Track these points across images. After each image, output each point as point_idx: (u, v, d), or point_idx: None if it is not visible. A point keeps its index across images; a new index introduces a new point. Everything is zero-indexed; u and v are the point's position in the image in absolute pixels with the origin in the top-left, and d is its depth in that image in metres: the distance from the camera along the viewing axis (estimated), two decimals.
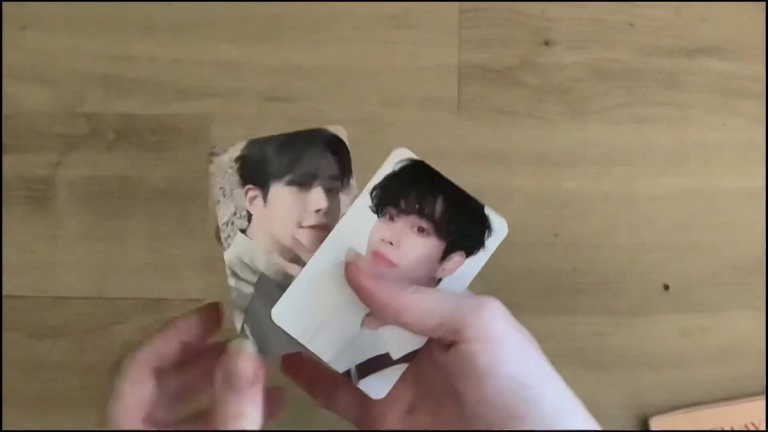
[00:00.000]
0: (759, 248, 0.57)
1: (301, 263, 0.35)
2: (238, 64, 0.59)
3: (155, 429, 0.35)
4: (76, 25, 0.59)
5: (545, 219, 0.57)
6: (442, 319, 0.33)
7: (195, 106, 0.58)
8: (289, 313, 0.34)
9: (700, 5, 0.58)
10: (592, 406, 0.56)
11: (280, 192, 0.35)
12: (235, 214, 0.36)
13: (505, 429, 0.32)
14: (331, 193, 0.35)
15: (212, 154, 0.36)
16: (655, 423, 0.54)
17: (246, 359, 0.33)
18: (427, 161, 0.37)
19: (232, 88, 0.59)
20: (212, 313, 0.37)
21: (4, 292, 0.57)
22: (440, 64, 0.58)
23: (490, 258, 0.37)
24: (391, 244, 0.35)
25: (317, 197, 0.35)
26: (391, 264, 0.35)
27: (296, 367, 0.39)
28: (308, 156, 0.36)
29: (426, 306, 0.33)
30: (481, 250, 0.35)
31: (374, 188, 0.35)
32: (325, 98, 0.58)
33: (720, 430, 0.54)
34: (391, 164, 0.35)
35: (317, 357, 0.36)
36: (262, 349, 0.34)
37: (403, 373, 0.35)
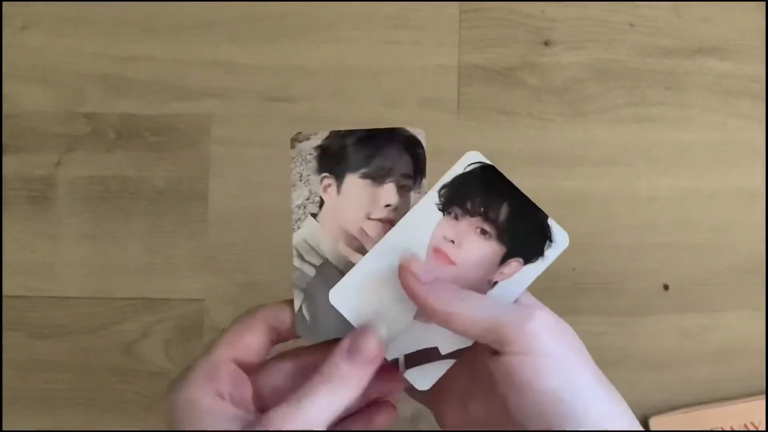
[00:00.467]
0: (759, 248, 0.57)
1: (364, 253, 0.36)
2: (238, 64, 0.59)
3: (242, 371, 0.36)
4: (76, 25, 0.59)
5: None
6: (487, 330, 0.34)
7: (195, 106, 0.58)
8: (346, 297, 0.35)
9: (700, 5, 0.59)
10: None
11: (354, 183, 0.37)
12: (308, 199, 0.37)
13: None
14: (403, 190, 0.36)
15: (295, 139, 0.37)
16: (655, 423, 0.54)
17: (373, 340, 0.34)
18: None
19: (232, 88, 0.59)
20: None
21: (4, 292, 0.57)
22: (440, 64, 0.58)
23: None
24: (453, 243, 0.36)
25: (388, 192, 0.36)
26: (451, 262, 0.36)
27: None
28: (385, 152, 0.37)
29: (472, 316, 0.34)
30: (539, 259, 0.36)
31: (443, 187, 0.36)
32: (325, 98, 0.58)
33: (720, 430, 0.54)
34: (462, 165, 0.36)
35: None
36: (315, 331, 0.36)
37: (459, 365, 0.36)
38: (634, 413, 0.56)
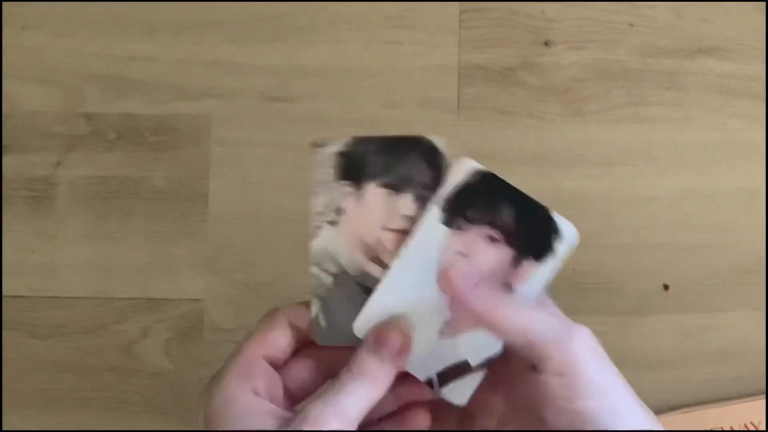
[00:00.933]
0: (759, 248, 0.57)
1: (381, 264, 0.36)
2: (238, 64, 0.59)
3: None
4: (76, 25, 0.59)
5: None
6: (529, 343, 0.34)
7: (195, 106, 0.58)
8: (369, 325, 0.35)
9: (700, 5, 0.58)
10: None
11: (373, 192, 0.36)
12: (328, 206, 0.36)
13: None
14: (421, 201, 0.36)
15: (316, 145, 0.36)
16: None
17: (398, 335, 0.34)
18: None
19: (232, 88, 0.59)
20: None
21: (4, 292, 0.57)
22: (440, 64, 0.58)
23: None
24: (464, 255, 0.35)
25: (407, 203, 0.36)
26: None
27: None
28: (406, 162, 0.36)
29: (516, 326, 0.34)
30: (550, 255, 0.36)
31: (443, 201, 0.36)
32: (325, 98, 0.58)
33: (720, 430, 0.54)
34: (457, 176, 0.36)
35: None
36: (334, 338, 0.36)
37: (493, 384, 0.36)
38: None
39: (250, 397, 0.34)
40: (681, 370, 0.56)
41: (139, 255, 0.58)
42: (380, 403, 0.34)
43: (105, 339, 0.57)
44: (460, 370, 0.36)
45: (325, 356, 0.37)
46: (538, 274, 0.36)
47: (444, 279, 0.35)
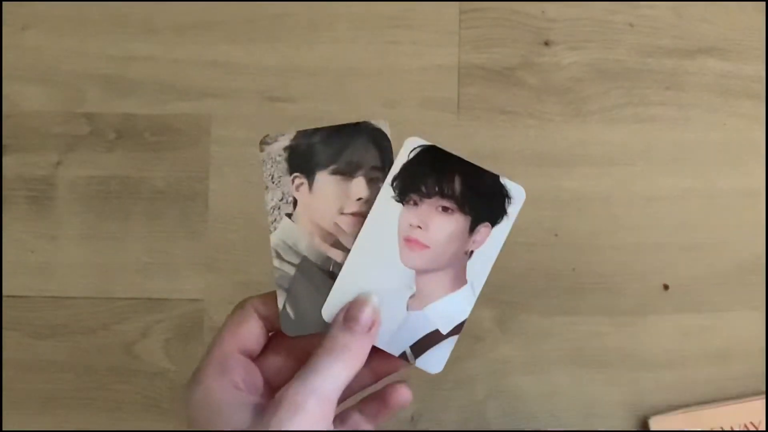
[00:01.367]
0: (759, 248, 0.57)
1: (341, 248, 0.37)
2: (238, 64, 0.59)
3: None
4: (76, 25, 0.59)
5: (545, 219, 0.57)
6: None
7: (195, 106, 0.58)
8: (337, 310, 0.36)
9: (700, 5, 0.58)
10: (592, 406, 0.56)
11: (325, 180, 0.37)
12: (282, 199, 0.38)
13: None
14: (373, 182, 0.37)
15: (263, 143, 0.38)
16: (654, 423, 0.54)
17: (368, 309, 0.35)
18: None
19: (232, 88, 0.59)
20: None
21: (4, 292, 0.57)
22: (440, 64, 0.58)
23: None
24: (420, 228, 0.37)
25: (359, 186, 0.37)
26: (424, 246, 0.37)
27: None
28: (352, 147, 0.38)
29: None
30: (504, 218, 0.37)
31: (394, 179, 0.37)
32: (325, 98, 0.58)
33: (720, 430, 0.54)
34: (405, 153, 0.37)
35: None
36: (303, 327, 0.37)
37: None
38: (634, 413, 0.57)
39: (229, 390, 0.34)
40: (681, 370, 0.56)
41: (139, 255, 0.58)
42: (356, 377, 0.35)
43: (105, 339, 0.57)
44: (432, 339, 0.37)
45: (299, 342, 0.37)
46: (495, 237, 0.37)
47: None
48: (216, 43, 0.59)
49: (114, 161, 0.58)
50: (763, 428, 0.54)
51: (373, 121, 0.38)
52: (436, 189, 0.37)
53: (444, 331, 0.37)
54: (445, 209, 0.37)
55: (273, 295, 0.37)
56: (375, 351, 0.36)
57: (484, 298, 0.38)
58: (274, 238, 0.37)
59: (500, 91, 0.58)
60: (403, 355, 0.37)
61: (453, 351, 0.37)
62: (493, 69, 0.58)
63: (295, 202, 0.37)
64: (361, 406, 0.38)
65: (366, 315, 0.35)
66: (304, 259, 0.37)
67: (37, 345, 0.57)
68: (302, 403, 0.32)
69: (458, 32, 0.59)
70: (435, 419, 0.56)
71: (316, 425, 0.32)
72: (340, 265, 0.37)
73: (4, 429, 0.56)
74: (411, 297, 0.37)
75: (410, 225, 0.37)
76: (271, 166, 0.38)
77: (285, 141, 0.38)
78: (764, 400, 0.54)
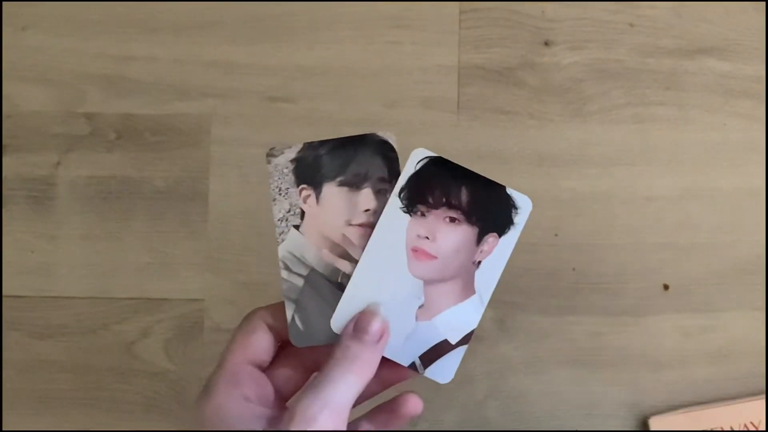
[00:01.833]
0: (759, 248, 0.57)
1: (349, 259, 0.37)
2: (238, 64, 0.59)
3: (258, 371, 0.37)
4: (76, 25, 0.59)
5: (545, 219, 0.57)
6: None
7: (195, 106, 0.58)
8: (346, 321, 0.37)
9: (700, 5, 0.59)
10: (592, 406, 0.56)
11: (332, 192, 0.38)
12: (289, 211, 0.38)
13: None
14: (380, 194, 0.38)
15: (270, 155, 0.38)
16: (654, 423, 0.54)
17: (377, 321, 0.36)
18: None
19: (232, 88, 0.59)
20: None
21: (4, 292, 0.57)
22: (440, 64, 0.58)
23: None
24: (428, 238, 0.37)
25: (366, 198, 0.38)
26: (431, 257, 0.37)
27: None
28: (359, 159, 0.38)
29: None
30: (511, 228, 0.38)
31: (401, 190, 0.37)
32: (325, 98, 0.58)
33: (720, 430, 0.54)
34: (412, 165, 0.38)
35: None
36: (312, 338, 0.37)
37: None
38: (634, 413, 0.57)
39: (241, 403, 0.35)
40: (681, 370, 0.56)
41: (139, 255, 0.58)
42: (365, 386, 0.35)
43: (105, 339, 0.57)
44: (441, 349, 0.37)
45: (308, 352, 0.37)
46: (502, 247, 0.37)
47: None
48: (216, 43, 0.59)
49: (114, 161, 0.58)
50: (763, 428, 0.54)
51: (379, 133, 0.38)
52: (443, 200, 0.37)
53: (453, 341, 0.37)
54: (452, 220, 0.37)
55: (281, 306, 0.37)
56: (384, 361, 0.36)
57: None
58: (282, 250, 0.37)
59: (500, 91, 0.58)
60: (413, 365, 0.37)
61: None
62: (493, 69, 0.58)
63: (302, 214, 0.38)
64: (371, 415, 0.38)
65: (375, 325, 0.35)
66: (312, 270, 0.37)
67: (37, 345, 0.57)
68: (315, 415, 0.32)
69: (458, 32, 0.59)
70: (435, 419, 0.56)
71: None
72: (348, 276, 0.37)
73: (3, 429, 0.56)
74: (419, 307, 0.37)
75: (418, 236, 0.37)
76: (278, 178, 0.38)
77: (292, 153, 0.38)
78: (764, 400, 0.54)
